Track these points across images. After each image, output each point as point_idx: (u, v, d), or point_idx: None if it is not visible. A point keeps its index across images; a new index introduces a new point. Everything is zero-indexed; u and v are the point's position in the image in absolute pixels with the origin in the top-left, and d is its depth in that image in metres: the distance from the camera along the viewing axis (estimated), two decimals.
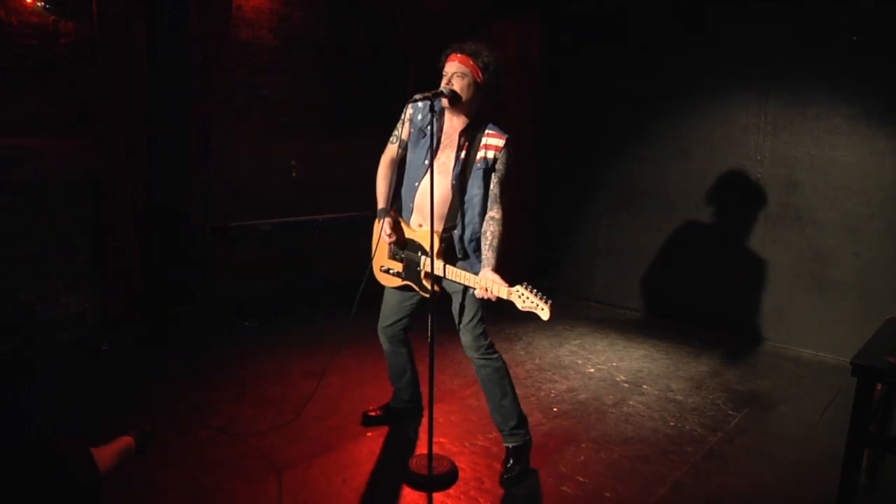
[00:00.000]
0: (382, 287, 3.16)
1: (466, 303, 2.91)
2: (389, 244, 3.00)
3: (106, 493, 2.58)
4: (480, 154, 2.80)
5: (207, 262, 4.84)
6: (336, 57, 5.75)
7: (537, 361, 4.36)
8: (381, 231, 2.96)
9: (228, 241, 4.77)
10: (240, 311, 5.02)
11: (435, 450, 2.96)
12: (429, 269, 2.79)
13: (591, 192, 5.68)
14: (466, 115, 2.85)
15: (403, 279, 2.98)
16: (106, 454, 2.64)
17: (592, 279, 5.76)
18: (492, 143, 2.80)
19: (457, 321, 2.98)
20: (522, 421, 3.04)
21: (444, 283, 2.92)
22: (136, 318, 4.49)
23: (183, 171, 4.64)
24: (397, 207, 3.05)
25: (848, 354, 2.65)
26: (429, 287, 2.85)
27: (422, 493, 2.82)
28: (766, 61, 4.66)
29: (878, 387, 2.58)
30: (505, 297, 2.61)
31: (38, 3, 4.04)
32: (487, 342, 2.96)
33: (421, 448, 3.09)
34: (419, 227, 2.92)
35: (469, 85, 2.76)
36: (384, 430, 3.34)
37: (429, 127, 2.73)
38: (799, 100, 4.57)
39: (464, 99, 2.77)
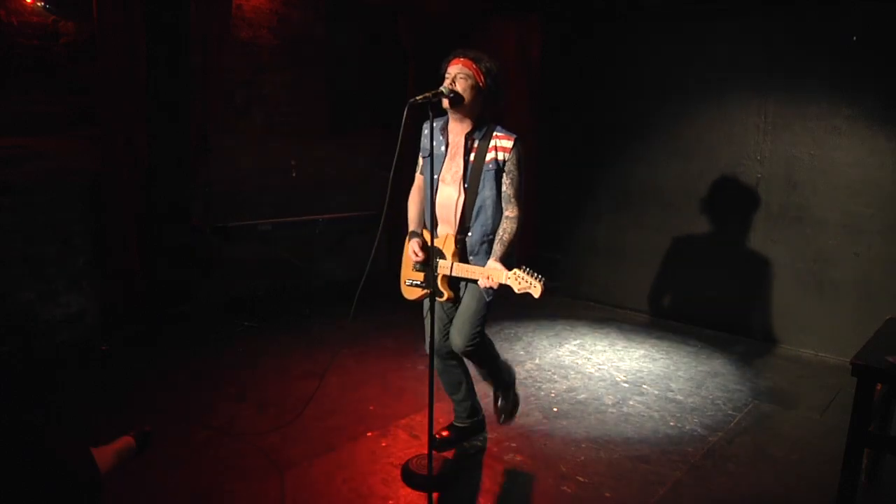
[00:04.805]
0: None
1: (473, 311, 2.92)
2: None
3: (106, 493, 2.58)
4: (490, 156, 2.86)
5: (207, 262, 4.84)
6: (336, 56, 5.75)
7: (537, 361, 4.36)
8: (410, 251, 3.01)
9: (228, 241, 4.77)
10: (240, 311, 5.02)
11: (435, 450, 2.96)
12: (444, 273, 2.90)
13: (590, 192, 5.68)
14: (470, 120, 2.90)
15: (424, 288, 3.01)
16: (106, 454, 2.64)
17: (592, 279, 5.76)
18: (501, 144, 2.86)
19: (456, 323, 2.96)
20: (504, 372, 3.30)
21: (458, 287, 2.99)
22: (136, 318, 4.49)
23: (183, 171, 4.64)
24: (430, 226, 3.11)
25: (848, 354, 2.65)
26: (444, 291, 2.94)
27: (422, 493, 2.82)
28: (766, 61, 4.66)
29: (878, 387, 2.58)
30: (503, 281, 2.70)
31: (38, 3, 4.05)
32: (478, 339, 2.97)
33: (421, 448, 3.09)
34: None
35: (472, 87, 2.82)
36: (384, 430, 3.34)
37: (433, 141, 2.80)
38: (799, 100, 4.56)
39: (466, 100, 2.82)
